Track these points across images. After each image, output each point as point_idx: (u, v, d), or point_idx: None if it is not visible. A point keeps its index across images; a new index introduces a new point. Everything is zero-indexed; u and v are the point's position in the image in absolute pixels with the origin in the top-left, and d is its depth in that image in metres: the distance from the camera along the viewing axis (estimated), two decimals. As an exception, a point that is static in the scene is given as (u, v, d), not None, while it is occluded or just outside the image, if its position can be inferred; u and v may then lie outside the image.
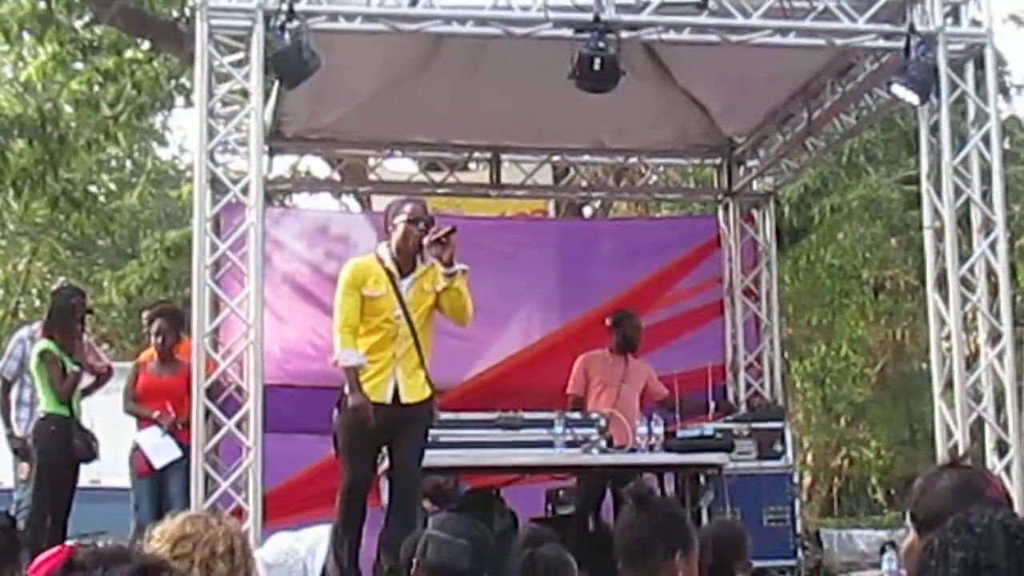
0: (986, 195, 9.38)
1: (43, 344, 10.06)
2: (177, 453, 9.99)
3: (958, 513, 2.77)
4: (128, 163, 24.24)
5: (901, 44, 9.23)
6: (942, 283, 9.26)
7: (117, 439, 10.52)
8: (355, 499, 8.19)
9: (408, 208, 8.41)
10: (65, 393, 9.97)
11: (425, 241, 8.23)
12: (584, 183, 14.30)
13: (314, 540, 8.32)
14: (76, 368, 10.03)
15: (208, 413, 8.68)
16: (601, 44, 8.82)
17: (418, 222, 8.27)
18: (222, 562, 3.64)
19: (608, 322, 11.15)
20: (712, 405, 10.88)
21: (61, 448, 9.89)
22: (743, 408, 12.02)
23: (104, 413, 10.48)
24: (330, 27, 8.95)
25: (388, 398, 8.17)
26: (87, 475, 10.32)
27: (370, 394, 8.12)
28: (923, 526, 3.40)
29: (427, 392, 8.34)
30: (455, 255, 8.26)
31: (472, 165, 14.30)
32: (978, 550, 2.54)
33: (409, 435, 8.23)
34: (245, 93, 8.91)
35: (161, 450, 10.21)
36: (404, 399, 8.20)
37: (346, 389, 8.21)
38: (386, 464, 8.43)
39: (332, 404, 8.40)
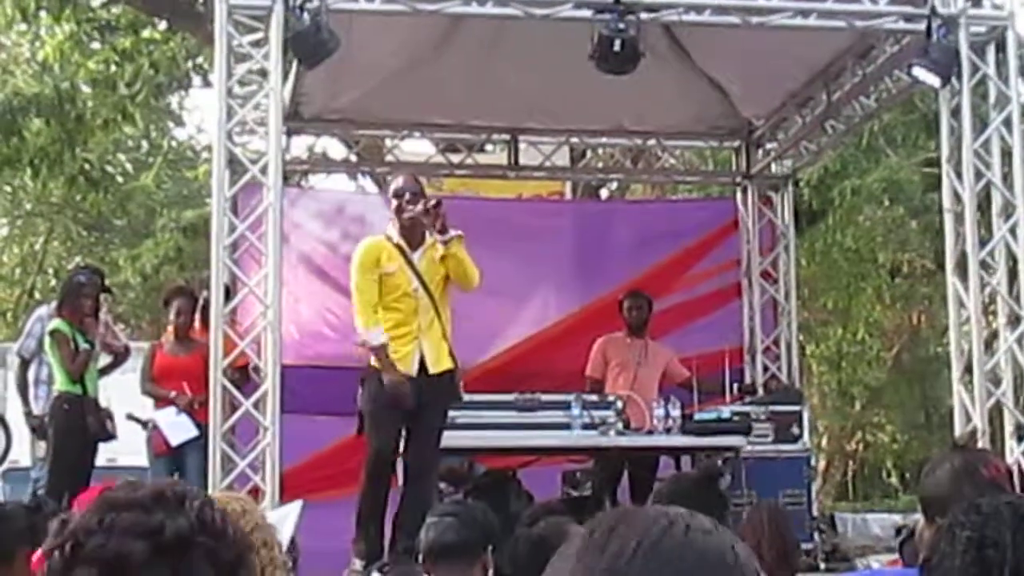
0: (1007, 178, 9.34)
1: (54, 323, 10.09)
2: (194, 432, 10.01)
3: (956, 496, 2.82)
4: (145, 143, 24.25)
5: (922, 26, 9.20)
6: (962, 266, 9.24)
7: (136, 414, 10.54)
8: (380, 469, 8.19)
9: (394, 184, 8.53)
10: (77, 371, 9.97)
11: (410, 214, 8.24)
12: (601, 165, 14.25)
13: (284, 513, 8.37)
14: (87, 346, 10.04)
15: (226, 392, 8.68)
16: (621, 25, 8.79)
17: (403, 194, 8.31)
18: (265, 549, 3.66)
19: (620, 304, 11.17)
20: (732, 387, 10.85)
21: (75, 426, 9.90)
22: (760, 391, 12.01)
23: (121, 392, 10.50)
24: (349, 7, 8.94)
25: (414, 370, 8.21)
26: (103, 454, 10.33)
27: (397, 365, 8.17)
28: (927, 508, 3.49)
29: (450, 363, 8.38)
30: (446, 223, 8.24)
31: (489, 147, 14.28)
32: (984, 529, 2.59)
33: (430, 415, 8.27)
34: (264, 73, 8.89)
35: (178, 428, 10.22)
36: (431, 369, 8.25)
37: (371, 362, 8.23)
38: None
39: (348, 384, 8.43)
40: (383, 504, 8.27)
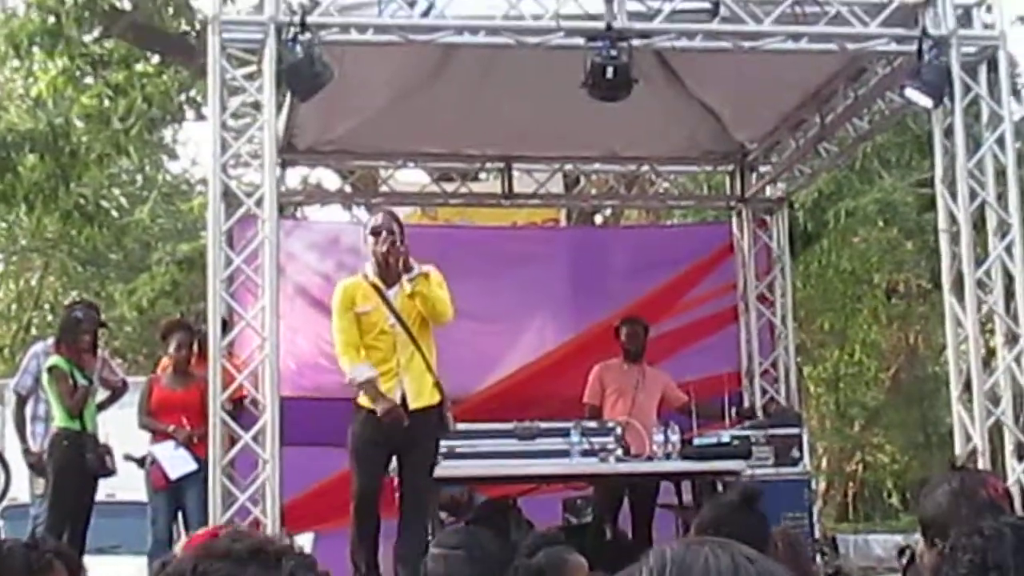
0: (1001, 197, 9.35)
1: (52, 360, 10.09)
2: (193, 465, 10.00)
3: (955, 517, 2.82)
4: (139, 177, 24.27)
5: (913, 48, 9.21)
6: (958, 286, 9.23)
7: (133, 453, 10.53)
8: (365, 507, 8.28)
9: (371, 222, 8.61)
10: (75, 408, 9.97)
11: (378, 251, 8.34)
12: (595, 191, 14.24)
13: (298, 546, 8.39)
14: (85, 382, 10.03)
15: (225, 426, 8.67)
16: (613, 52, 8.80)
17: (378, 232, 8.39)
18: None
19: (616, 330, 11.16)
20: (731, 411, 10.84)
21: (74, 462, 9.89)
22: (759, 414, 12.00)
23: (119, 427, 10.49)
24: (342, 39, 8.95)
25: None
26: (103, 489, 10.31)
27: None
28: (926, 530, 3.49)
29: (436, 397, 8.44)
30: (408, 261, 8.32)
31: (483, 175, 14.29)
32: (986, 551, 2.58)
33: (418, 448, 8.34)
34: (258, 106, 8.90)
35: (177, 462, 10.20)
36: (412, 405, 8.31)
37: (359, 401, 8.33)
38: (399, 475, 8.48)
39: (347, 415, 8.48)
40: (374, 538, 8.36)
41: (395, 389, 8.32)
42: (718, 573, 1.57)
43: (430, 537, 8.57)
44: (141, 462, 10.43)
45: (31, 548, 4.57)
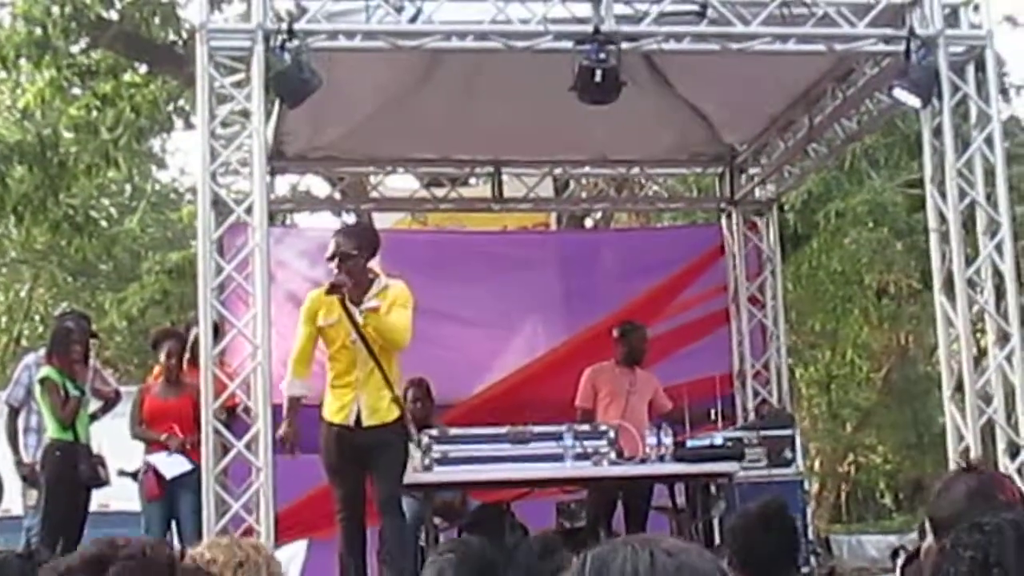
0: (990, 197, 9.36)
1: (43, 371, 10.08)
2: (188, 466, 9.97)
3: (972, 517, 2.79)
4: (128, 187, 24.25)
5: (901, 48, 9.22)
6: (948, 286, 9.24)
7: (126, 463, 10.50)
8: (347, 517, 8.44)
9: (329, 247, 8.61)
10: (67, 418, 9.96)
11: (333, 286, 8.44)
12: (585, 195, 14.24)
13: (291, 554, 8.46)
14: (77, 393, 10.02)
15: (218, 434, 8.67)
16: (602, 56, 8.81)
17: (333, 258, 8.48)
18: None
19: (615, 333, 11.12)
20: (717, 414, 10.83)
21: (67, 473, 9.88)
22: (751, 416, 12.00)
23: (112, 437, 10.47)
24: (330, 45, 8.95)
25: (351, 421, 8.44)
26: (96, 500, 10.29)
27: (335, 417, 8.46)
28: (938, 529, 3.45)
29: (394, 413, 8.52)
30: (353, 296, 8.39)
31: (473, 180, 14.29)
32: (987, 548, 2.57)
33: (380, 457, 8.41)
34: (246, 114, 8.90)
35: (172, 464, 10.18)
36: (366, 422, 8.43)
37: (323, 415, 8.54)
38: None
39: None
40: (362, 545, 8.49)
41: (352, 404, 8.45)
42: (634, 570, 1.58)
43: (412, 536, 8.72)
44: (135, 476, 10.41)
45: (26, 559, 4.56)
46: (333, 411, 8.49)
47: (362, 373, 8.44)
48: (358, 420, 8.41)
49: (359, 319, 8.38)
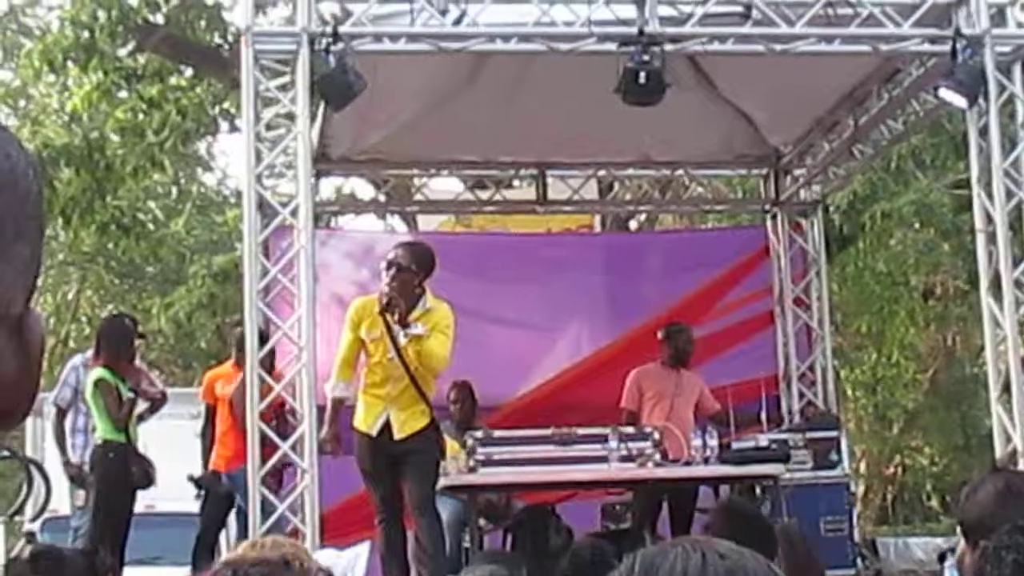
0: (1038, 197, 9.31)
1: (97, 372, 10.09)
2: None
3: (1001, 519, 2.77)
4: (174, 189, 24.37)
5: (947, 48, 9.18)
6: (996, 286, 9.19)
7: (171, 465, 10.54)
8: (386, 519, 8.50)
9: (390, 253, 8.68)
10: (122, 420, 9.99)
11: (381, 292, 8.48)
12: (629, 197, 14.22)
13: (353, 556, 8.50)
14: (131, 395, 10.06)
15: (264, 436, 8.71)
16: (646, 57, 8.81)
17: (389, 267, 8.49)
18: None
19: (660, 335, 11.08)
20: (763, 416, 10.80)
21: (119, 475, 9.91)
22: (797, 418, 11.95)
23: (158, 439, 10.52)
24: (374, 48, 8.98)
25: (375, 432, 8.49)
26: (142, 501, 10.34)
27: (365, 427, 8.53)
28: (968, 531, 3.44)
29: (422, 422, 8.55)
30: (401, 317, 8.39)
31: (517, 182, 14.30)
32: (1030, 551, 2.54)
33: (411, 461, 8.46)
34: (291, 116, 8.94)
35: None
36: (396, 435, 8.49)
37: (354, 424, 8.61)
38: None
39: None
40: (402, 548, 8.54)
41: (380, 416, 8.50)
42: (684, 571, 1.57)
43: (448, 536, 8.75)
44: (199, 483, 10.42)
45: (89, 555, 4.61)
46: (363, 420, 8.56)
47: (395, 390, 8.50)
48: (388, 432, 8.47)
49: (401, 340, 8.40)
